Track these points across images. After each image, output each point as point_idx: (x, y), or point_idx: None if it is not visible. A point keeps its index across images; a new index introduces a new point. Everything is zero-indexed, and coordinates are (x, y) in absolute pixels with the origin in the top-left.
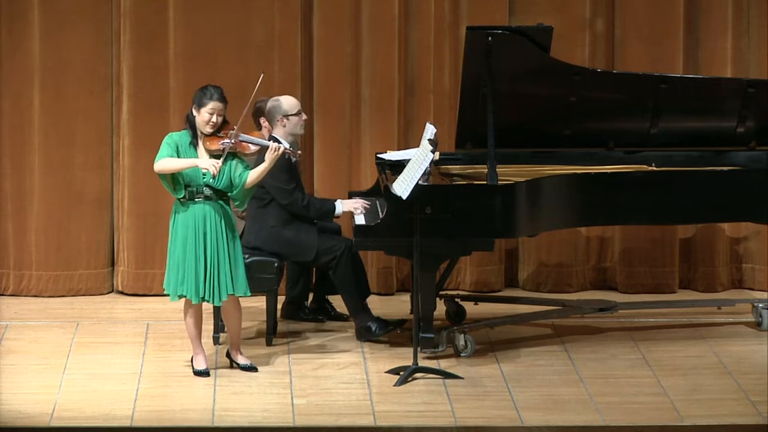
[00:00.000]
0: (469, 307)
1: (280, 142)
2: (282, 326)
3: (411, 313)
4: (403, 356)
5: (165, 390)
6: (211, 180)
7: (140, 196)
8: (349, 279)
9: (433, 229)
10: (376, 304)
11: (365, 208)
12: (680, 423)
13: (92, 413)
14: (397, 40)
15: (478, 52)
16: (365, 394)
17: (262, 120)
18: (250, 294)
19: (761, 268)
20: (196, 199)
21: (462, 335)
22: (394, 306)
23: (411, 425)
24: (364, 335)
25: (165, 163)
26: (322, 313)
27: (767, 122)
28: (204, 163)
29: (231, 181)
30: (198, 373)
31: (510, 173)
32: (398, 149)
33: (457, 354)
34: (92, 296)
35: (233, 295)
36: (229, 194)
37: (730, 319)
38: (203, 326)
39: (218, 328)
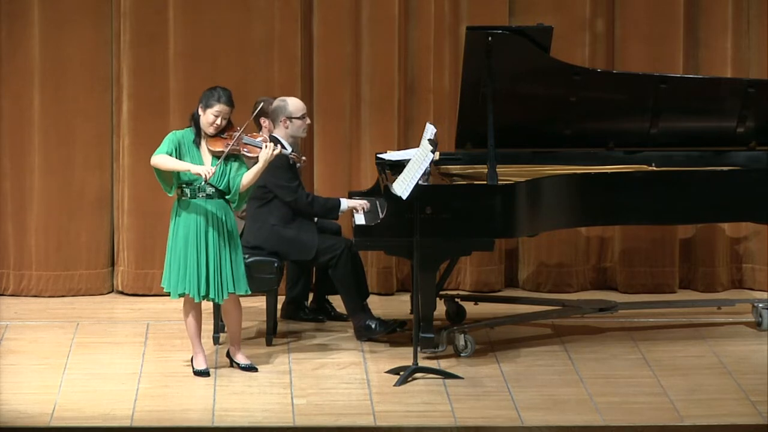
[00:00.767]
0: (469, 307)
1: (279, 142)
2: (282, 326)
3: (411, 313)
4: (403, 356)
5: (165, 390)
6: (212, 179)
7: (140, 196)
8: (349, 279)
9: (433, 229)
10: (376, 304)
11: (366, 207)
12: (680, 423)
13: (92, 413)
14: (397, 40)
15: (478, 52)
16: (365, 394)
17: (263, 120)
18: (250, 292)
19: (761, 268)
20: (198, 198)
21: (462, 335)
22: (394, 306)
23: (411, 425)
24: (364, 335)
25: (161, 159)
26: (322, 313)
27: (767, 122)
28: (197, 168)
29: (229, 182)
30: (198, 373)
31: (510, 173)
32: (398, 149)
33: (457, 354)
34: (92, 296)
35: (234, 293)
36: (226, 197)
37: (730, 319)
38: (203, 326)
39: (218, 328)
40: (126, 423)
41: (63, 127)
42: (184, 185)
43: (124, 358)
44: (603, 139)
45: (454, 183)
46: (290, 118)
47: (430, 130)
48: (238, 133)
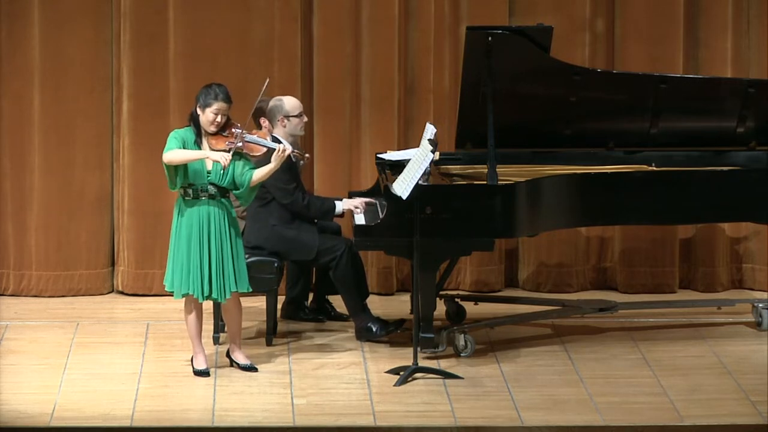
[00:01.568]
0: (469, 307)
1: (281, 143)
2: (282, 326)
3: (411, 313)
4: (403, 356)
5: (165, 390)
6: (216, 178)
7: (140, 196)
8: (349, 279)
9: (433, 229)
10: (376, 304)
11: (366, 205)
12: (680, 423)
13: (92, 413)
14: (397, 40)
15: (478, 52)
16: (365, 394)
17: (262, 120)
18: (251, 290)
19: (761, 268)
20: (201, 198)
21: (462, 335)
22: (394, 306)
23: (411, 425)
24: (364, 335)
25: (176, 153)
26: (322, 313)
27: (767, 122)
28: (215, 155)
29: (234, 179)
30: (198, 373)
31: (510, 173)
32: (398, 149)
33: (457, 354)
34: (92, 296)
35: (236, 291)
36: (233, 192)
37: (730, 319)
38: (203, 326)
39: (218, 328)
40: (126, 423)
41: (63, 127)
42: (187, 186)
43: (124, 358)
44: (603, 139)
45: (454, 183)
46: (287, 116)
47: (430, 130)
48: (240, 132)
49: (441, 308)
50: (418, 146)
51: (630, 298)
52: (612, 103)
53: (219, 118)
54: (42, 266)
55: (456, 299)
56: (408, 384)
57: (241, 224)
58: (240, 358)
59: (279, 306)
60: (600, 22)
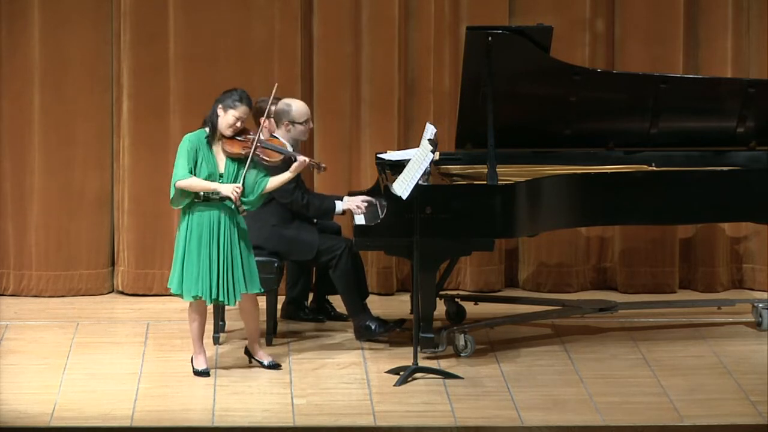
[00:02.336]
0: (469, 307)
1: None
2: (282, 326)
3: (411, 313)
4: (403, 356)
5: (165, 390)
6: (228, 183)
7: (140, 196)
8: (349, 279)
9: (433, 229)
10: (376, 304)
11: (366, 203)
12: (680, 423)
13: (92, 413)
14: (397, 40)
15: (478, 52)
16: (365, 394)
17: (262, 119)
18: (263, 290)
19: (761, 268)
20: (211, 201)
21: (462, 335)
22: (394, 306)
23: (411, 425)
24: (364, 335)
25: (189, 182)
26: (322, 313)
27: (767, 122)
28: (226, 190)
29: (246, 187)
30: (198, 373)
31: (510, 173)
32: (398, 149)
33: (457, 354)
34: (92, 296)
35: (247, 293)
36: (242, 199)
37: (730, 319)
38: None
39: (218, 328)
40: (126, 423)
41: (63, 127)
42: None
43: (124, 358)
44: (603, 139)
45: (454, 183)
46: (293, 122)
47: (430, 130)
48: (256, 138)
49: (441, 308)
50: (418, 146)
51: (630, 298)
52: (612, 103)
53: (239, 123)
54: (42, 266)
55: (456, 299)
56: (408, 384)
57: None
58: (263, 357)
59: (279, 306)
60: (600, 22)
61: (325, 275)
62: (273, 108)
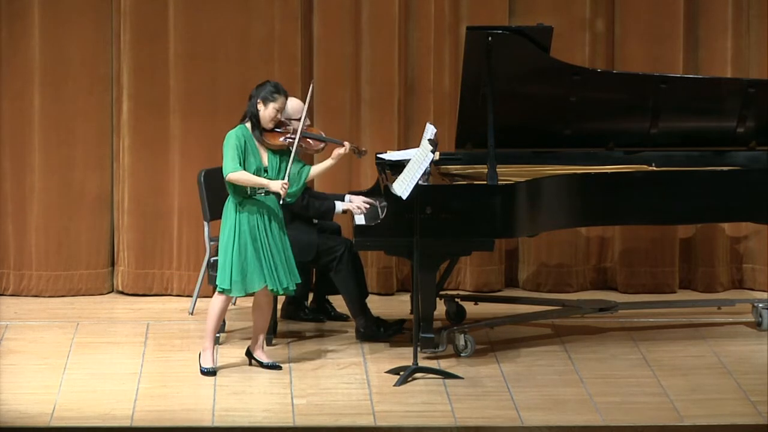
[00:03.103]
0: (469, 307)
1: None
2: (282, 326)
3: (411, 313)
4: (403, 356)
5: (165, 390)
6: (273, 176)
7: (140, 196)
8: (349, 279)
9: (433, 229)
10: (376, 304)
11: (367, 204)
12: (680, 423)
13: (92, 413)
14: (397, 40)
15: (478, 52)
16: (365, 394)
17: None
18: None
19: (761, 268)
20: (258, 195)
21: (462, 335)
22: (394, 306)
23: (411, 425)
24: (364, 335)
25: (241, 176)
26: (322, 313)
27: (767, 122)
28: (275, 186)
29: (290, 178)
30: (205, 372)
31: (510, 173)
32: (398, 149)
33: (457, 354)
34: (92, 296)
35: (266, 288)
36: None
37: (730, 319)
38: (202, 326)
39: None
40: (126, 423)
41: (63, 127)
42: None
43: (124, 358)
44: (603, 139)
45: (454, 183)
46: (289, 119)
47: (430, 130)
48: (300, 128)
49: (441, 308)
50: (418, 146)
51: (630, 298)
52: (612, 103)
53: (280, 114)
54: (42, 266)
55: (456, 299)
56: (408, 384)
57: None
58: (263, 357)
59: (279, 306)
60: (600, 22)
61: (325, 275)
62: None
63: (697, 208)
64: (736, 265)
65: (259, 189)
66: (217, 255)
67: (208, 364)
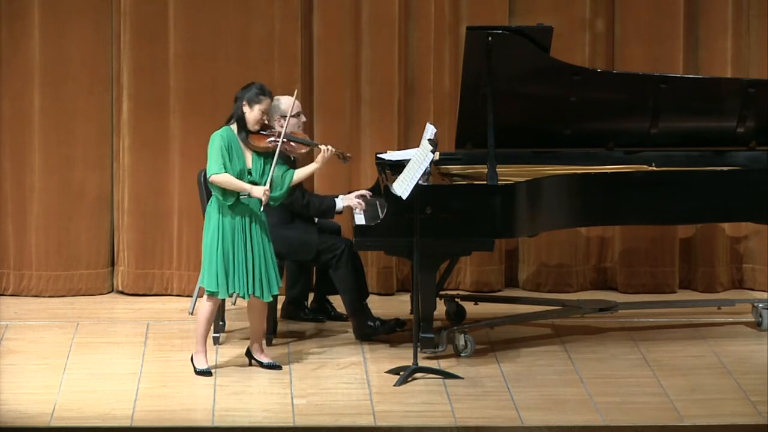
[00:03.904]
0: (469, 307)
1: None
2: (282, 326)
3: (411, 313)
4: (403, 356)
5: (165, 390)
6: (257, 179)
7: (140, 196)
8: (349, 278)
9: (433, 229)
10: (376, 304)
11: (365, 198)
12: (680, 423)
13: (92, 413)
14: (397, 40)
15: (478, 52)
16: (365, 394)
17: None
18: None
19: (761, 268)
20: (242, 199)
21: (462, 335)
22: (394, 306)
23: (411, 425)
24: (364, 335)
25: (225, 179)
26: (322, 313)
27: (767, 122)
28: (257, 192)
29: (273, 181)
30: (200, 373)
31: (510, 173)
32: (398, 149)
33: (457, 354)
34: (92, 296)
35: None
36: (270, 194)
37: (730, 319)
38: None
39: (218, 328)
40: (126, 423)
41: (63, 127)
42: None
43: (124, 358)
44: (603, 139)
45: (454, 183)
46: (284, 116)
47: (430, 130)
48: (284, 131)
49: (441, 308)
50: (418, 146)
51: (630, 298)
52: (612, 103)
53: (265, 117)
54: (42, 266)
55: (456, 299)
56: (408, 384)
57: None
58: (262, 357)
59: (279, 306)
60: (600, 22)
61: (325, 275)
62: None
63: (697, 208)
64: (736, 265)
65: (241, 194)
66: None
67: (202, 365)
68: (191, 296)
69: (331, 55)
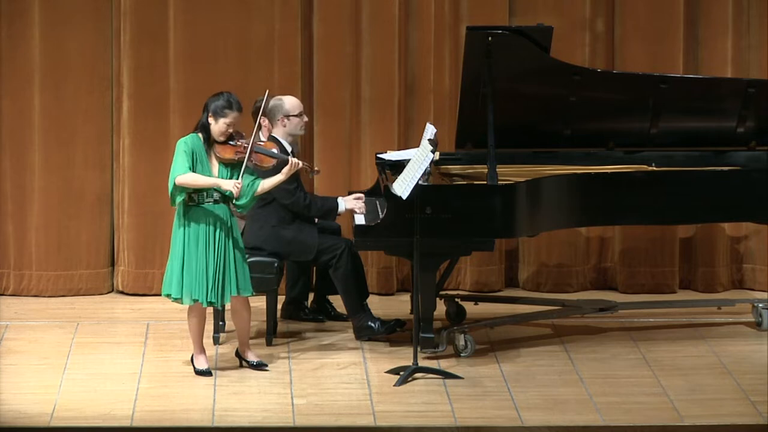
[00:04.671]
0: (469, 307)
1: (279, 143)
2: (282, 326)
3: (411, 313)
4: (403, 356)
5: (165, 390)
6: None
7: (140, 196)
8: (349, 278)
9: (433, 229)
10: (376, 304)
11: (359, 200)
12: (680, 423)
13: (92, 413)
14: (397, 40)
15: (478, 52)
16: (365, 394)
17: (263, 119)
18: (254, 293)
19: (761, 268)
20: (206, 203)
21: (462, 335)
22: (394, 306)
23: (411, 425)
24: (364, 335)
25: (189, 178)
26: (322, 313)
27: (767, 122)
28: (227, 184)
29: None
30: (200, 373)
31: (510, 173)
32: (398, 149)
33: (457, 354)
34: (92, 296)
35: (241, 296)
36: (235, 201)
37: (730, 319)
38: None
39: (218, 328)
40: (126, 423)
41: (63, 127)
42: (192, 191)
43: (124, 358)
44: (603, 139)
45: (454, 183)
46: (287, 116)
47: (430, 130)
48: (250, 144)
49: (441, 308)
50: (418, 146)
51: (630, 298)
52: (612, 103)
53: (230, 129)
54: (42, 266)
55: (456, 299)
56: (408, 384)
57: (241, 225)
58: (250, 356)
59: (279, 306)
60: (600, 22)
61: (325, 275)
62: (269, 105)
63: (697, 208)
64: (736, 265)
65: (207, 197)
66: None
67: (202, 366)
68: None
69: (331, 55)
